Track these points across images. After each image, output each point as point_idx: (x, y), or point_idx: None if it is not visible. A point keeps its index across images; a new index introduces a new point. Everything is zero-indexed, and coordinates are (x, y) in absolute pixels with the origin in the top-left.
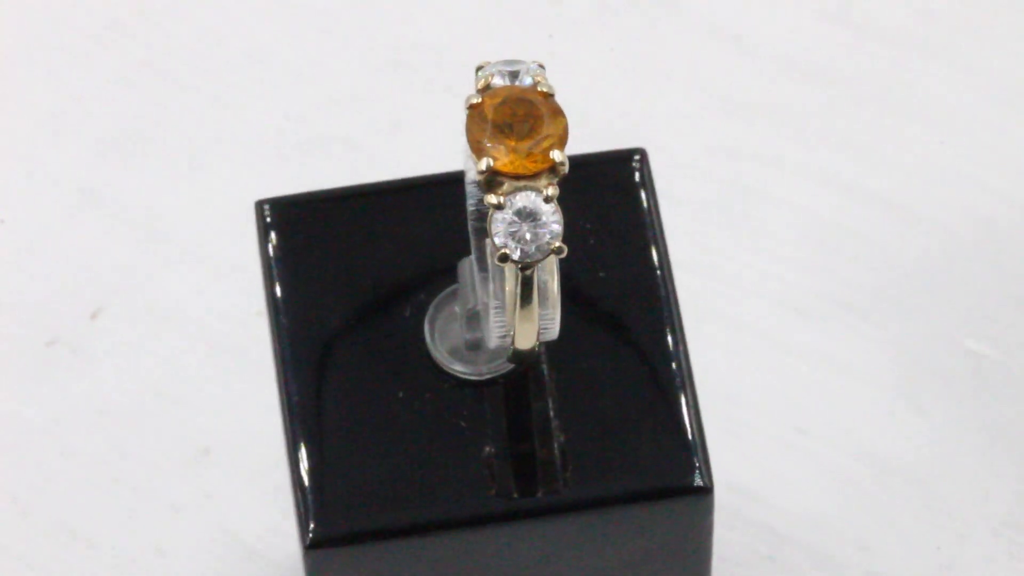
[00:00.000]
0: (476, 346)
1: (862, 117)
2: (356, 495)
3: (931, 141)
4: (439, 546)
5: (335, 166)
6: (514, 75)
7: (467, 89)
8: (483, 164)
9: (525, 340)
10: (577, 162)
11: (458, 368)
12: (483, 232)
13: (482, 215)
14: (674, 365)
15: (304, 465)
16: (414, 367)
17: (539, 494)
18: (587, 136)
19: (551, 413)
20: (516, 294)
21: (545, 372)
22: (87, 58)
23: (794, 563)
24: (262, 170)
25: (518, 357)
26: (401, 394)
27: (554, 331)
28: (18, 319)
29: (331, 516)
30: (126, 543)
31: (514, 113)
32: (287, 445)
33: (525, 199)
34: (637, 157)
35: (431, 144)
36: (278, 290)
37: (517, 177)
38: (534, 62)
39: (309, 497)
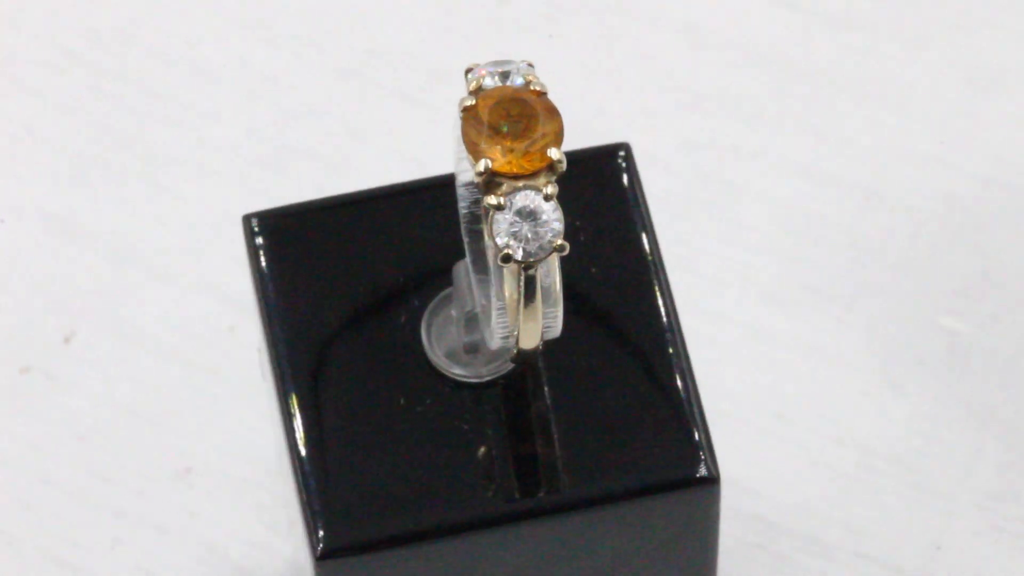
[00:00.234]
0: (474, 349)
1: (823, 102)
2: (363, 503)
3: (894, 123)
4: (450, 550)
5: (300, 178)
6: (505, 75)
7: (425, 95)
8: (481, 165)
9: (529, 340)
10: None
11: (457, 371)
12: (478, 234)
13: (476, 217)
14: (672, 357)
15: (308, 476)
16: (412, 372)
17: (545, 494)
18: None
19: (552, 412)
20: (519, 294)
21: (543, 371)
22: (45, 84)
23: (784, 549)
24: (226, 186)
25: (521, 357)
26: (402, 400)
27: (557, 328)
28: None
29: (339, 525)
30: (113, 568)
31: (509, 113)
32: (289, 457)
33: (525, 198)
34: (622, 152)
35: (392, 152)
36: (272, 303)
37: (516, 177)
38: (523, 61)
39: (316, 508)
